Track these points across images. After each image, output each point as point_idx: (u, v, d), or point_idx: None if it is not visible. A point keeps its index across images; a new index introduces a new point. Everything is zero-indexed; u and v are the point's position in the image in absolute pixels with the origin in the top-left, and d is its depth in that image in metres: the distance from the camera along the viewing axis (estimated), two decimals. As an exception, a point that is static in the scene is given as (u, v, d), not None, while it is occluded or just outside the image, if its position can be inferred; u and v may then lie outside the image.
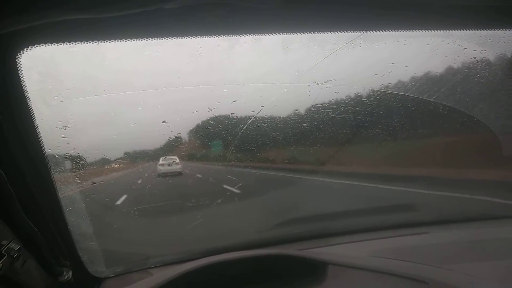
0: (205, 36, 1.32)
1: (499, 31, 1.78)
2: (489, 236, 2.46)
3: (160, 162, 9.88)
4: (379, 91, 4.06)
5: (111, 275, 2.29)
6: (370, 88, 4.11)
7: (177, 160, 9.84)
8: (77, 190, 3.31)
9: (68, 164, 3.02)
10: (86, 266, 2.06)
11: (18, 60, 1.25)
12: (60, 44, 1.21)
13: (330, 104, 4.45)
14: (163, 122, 4.23)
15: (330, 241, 2.56)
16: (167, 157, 9.44)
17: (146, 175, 10.22)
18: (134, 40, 1.26)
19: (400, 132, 5.44)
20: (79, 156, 3.14)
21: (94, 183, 4.15)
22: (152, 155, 8.32)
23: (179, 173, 10.02)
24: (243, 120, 4.51)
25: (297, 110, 4.71)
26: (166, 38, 1.27)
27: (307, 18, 1.36)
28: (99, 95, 2.96)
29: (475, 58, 3.27)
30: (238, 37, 1.47)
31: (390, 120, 4.86)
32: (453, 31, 1.77)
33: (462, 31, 2.11)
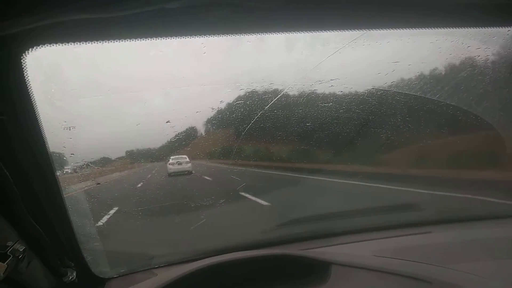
0: (209, 35, 1.31)
1: (504, 28, 1.77)
2: (492, 235, 2.46)
3: (170, 161, 9.66)
4: (382, 90, 4.06)
5: (115, 276, 2.29)
6: (373, 87, 4.10)
7: (187, 159, 9.58)
8: (81, 191, 3.32)
9: (72, 165, 3.02)
10: (90, 266, 2.07)
11: (23, 60, 1.25)
12: (65, 44, 1.21)
13: (333, 103, 4.45)
14: (167, 122, 4.25)
15: (333, 241, 2.55)
16: (177, 156, 9.27)
17: (149, 176, 10.17)
18: (138, 40, 1.26)
19: (403, 131, 5.43)
20: (83, 156, 3.15)
21: (98, 183, 4.16)
22: (156, 155, 8.31)
23: (189, 172, 9.81)
24: (246, 119, 4.51)
25: (300, 109, 4.70)
26: (170, 38, 1.26)
27: (310, 16, 1.35)
28: (104, 95, 2.96)
29: (479, 56, 3.26)
30: (241, 36, 1.46)
31: (393, 119, 4.85)
32: (457, 29, 1.76)
33: (466, 29, 2.10)
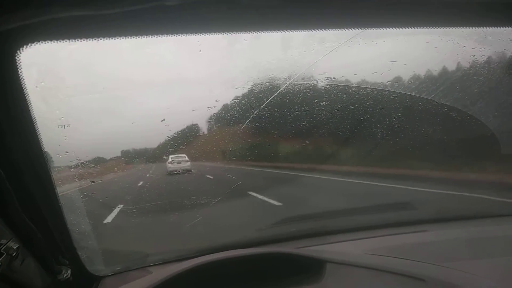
0: (205, 33, 1.31)
1: (499, 28, 1.78)
2: (487, 234, 2.47)
3: (169, 160, 9.62)
4: (378, 89, 4.07)
5: (110, 274, 2.29)
6: (369, 86, 4.11)
7: (186, 158, 9.54)
8: (76, 189, 3.31)
9: (67, 163, 3.01)
10: (85, 264, 2.06)
11: (18, 57, 1.24)
12: (60, 41, 1.20)
13: (329, 102, 4.45)
14: (162, 120, 4.23)
15: (328, 239, 2.56)
16: (176, 155, 9.23)
17: (148, 175, 10.11)
18: (134, 37, 1.25)
19: (398, 130, 5.45)
20: (78, 155, 3.13)
21: (93, 181, 4.15)
22: (151, 154, 8.30)
23: (188, 171, 9.75)
24: (242, 118, 4.51)
25: (296, 108, 4.71)
26: (166, 36, 1.26)
27: (307, 15, 1.35)
28: (99, 93, 2.96)
29: (474, 56, 3.27)
30: (237, 34, 1.46)
31: (388, 118, 4.86)
32: (453, 28, 1.77)
33: (462, 29, 2.11)
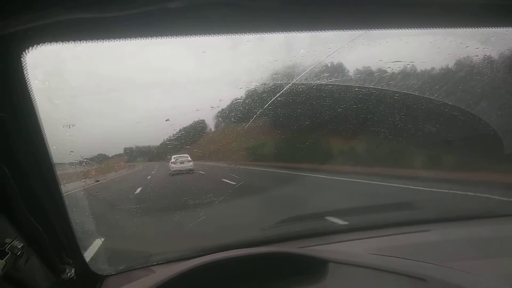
0: (208, 35, 1.32)
1: (502, 28, 1.77)
2: (490, 234, 2.47)
3: (172, 160, 9.68)
4: (381, 89, 4.07)
5: (114, 273, 2.30)
6: (372, 86, 4.11)
7: (189, 158, 9.59)
8: (80, 188, 3.32)
9: (71, 162, 3.02)
10: (89, 263, 2.08)
11: (23, 59, 1.25)
12: (65, 43, 1.21)
13: (332, 102, 4.45)
14: (166, 120, 4.24)
15: (331, 239, 2.57)
16: (179, 155, 9.28)
17: (150, 176, 10.13)
18: (138, 39, 1.25)
19: (401, 130, 5.44)
20: (82, 154, 3.14)
21: (97, 181, 4.16)
22: (155, 154, 8.31)
23: (190, 171, 9.81)
24: (245, 118, 4.51)
25: (299, 108, 4.71)
26: (169, 37, 1.26)
27: (310, 16, 1.35)
28: (103, 94, 2.97)
29: (477, 56, 3.27)
30: (241, 36, 1.47)
31: (391, 118, 4.86)
32: (456, 29, 1.77)
33: (465, 29, 2.11)
